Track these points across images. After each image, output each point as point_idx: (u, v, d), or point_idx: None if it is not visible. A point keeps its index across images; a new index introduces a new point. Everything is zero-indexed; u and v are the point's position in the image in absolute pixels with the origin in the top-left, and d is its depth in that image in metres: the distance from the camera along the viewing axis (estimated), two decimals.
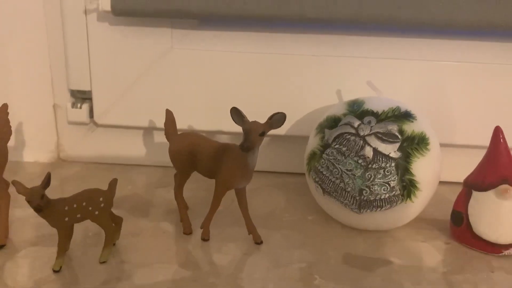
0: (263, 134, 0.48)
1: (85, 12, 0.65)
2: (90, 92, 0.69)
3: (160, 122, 0.59)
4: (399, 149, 0.53)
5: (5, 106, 0.53)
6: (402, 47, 0.64)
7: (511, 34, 0.62)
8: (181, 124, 0.68)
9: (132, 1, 0.61)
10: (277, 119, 0.49)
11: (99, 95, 0.69)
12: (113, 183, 0.50)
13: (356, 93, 0.62)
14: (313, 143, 0.58)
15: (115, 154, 0.73)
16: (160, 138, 0.72)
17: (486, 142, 0.55)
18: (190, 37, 0.66)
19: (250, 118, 0.50)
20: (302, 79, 0.66)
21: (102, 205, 0.49)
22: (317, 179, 0.56)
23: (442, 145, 0.62)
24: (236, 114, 0.50)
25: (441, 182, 0.61)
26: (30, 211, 0.46)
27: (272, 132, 0.51)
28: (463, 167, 0.57)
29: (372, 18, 0.60)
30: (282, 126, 0.49)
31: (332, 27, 0.64)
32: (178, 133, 0.57)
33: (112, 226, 0.51)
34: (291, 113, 0.66)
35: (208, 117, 0.68)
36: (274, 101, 0.67)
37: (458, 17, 0.59)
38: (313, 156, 0.57)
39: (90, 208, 0.48)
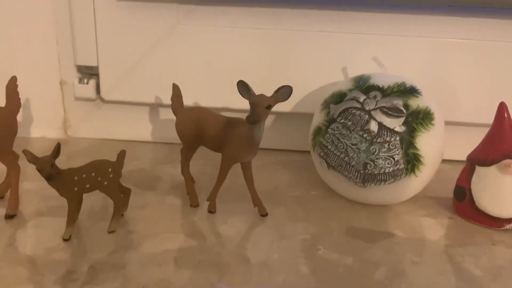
0: (269, 107, 0.49)
1: None
2: (97, 67, 0.70)
3: (166, 98, 0.59)
4: (404, 123, 0.53)
5: (14, 78, 0.54)
6: (408, 24, 0.64)
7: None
8: (187, 100, 0.68)
9: None
10: (283, 92, 0.49)
11: (106, 70, 0.69)
12: (121, 155, 0.50)
13: (362, 70, 0.62)
14: (319, 118, 0.59)
15: (122, 131, 0.74)
16: (166, 115, 0.72)
17: (490, 120, 0.56)
18: (196, 13, 0.66)
19: (256, 92, 0.50)
20: (308, 56, 0.66)
21: (111, 175, 0.49)
22: (322, 154, 0.57)
23: (446, 122, 0.62)
24: (243, 87, 0.50)
25: (444, 160, 0.61)
26: (39, 183, 0.47)
27: (278, 109, 0.51)
28: (467, 145, 0.58)
29: None
30: (288, 103, 0.50)
31: (338, 3, 0.64)
32: (185, 107, 0.58)
33: (120, 196, 0.52)
34: (296, 90, 0.66)
35: (214, 94, 0.69)
36: (279, 77, 0.66)
37: None
38: (318, 131, 0.58)
39: (99, 179, 0.49)
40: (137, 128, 0.74)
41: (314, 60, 0.66)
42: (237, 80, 0.50)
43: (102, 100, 0.72)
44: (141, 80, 0.69)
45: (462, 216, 0.57)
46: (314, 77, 0.67)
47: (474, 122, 0.66)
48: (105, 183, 0.49)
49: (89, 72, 0.71)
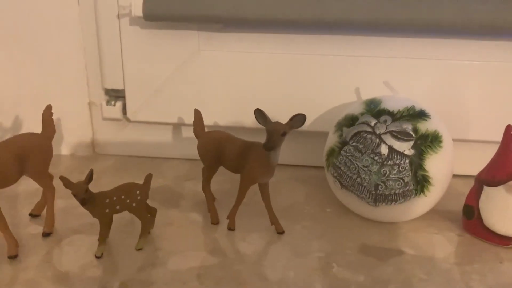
0: (284, 134, 0.52)
1: (118, 16, 0.70)
2: (123, 90, 0.74)
3: (188, 118, 0.63)
4: (413, 146, 0.56)
5: (49, 107, 0.59)
6: (417, 47, 0.67)
7: None
8: (208, 120, 0.73)
9: (161, 7, 0.65)
10: (298, 120, 0.53)
11: (131, 93, 0.74)
12: (148, 178, 0.54)
13: (374, 92, 0.66)
14: (332, 140, 0.62)
15: (146, 148, 0.79)
16: (187, 133, 0.76)
17: (499, 137, 0.58)
18: (216, 40, 0.70)
19: (274, 114, 0.54)
20: (322, 78, 0.69)
21: (138, 197, 0.54)
22: (335, 174, 0.60)
23: (457, 140, 0.65)
24: (260, 115, 0.54)
25: (455, 176, 0.64)
26: (72, 202, 0.51)
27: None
28: (477, 161, 0.60)
29: (389, 21, 0.63)
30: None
31: (350, 29, 0.67)
32: (206, 130, 0.62)
33: (147, 216, 0.56)
34: (312, 110, 0.71)
35: (233, 114, 0.72)
36: (295, 99, 0.70)
37: (471, 18, 0.61)
38: (331, 153, 0.61)
39: (128, 201, 0.53)
40: (160, 146, 0.78)
41: (329, 82, 0.69)
42: (255, 103, 0.54)
43: (128, 120, 0.77)
44: (164, 102, 0.73)
45: (471, 234, 0.59)
46: (329, 98, 0.70)
47: (485, 140, 0.68)
48: (134, 204, 0.53)
49: (116, 95, 0.76)
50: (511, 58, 0.66)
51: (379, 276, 0.52)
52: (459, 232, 0.60)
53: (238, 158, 0.57)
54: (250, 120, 0.69)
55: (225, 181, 0.69)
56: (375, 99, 0.61)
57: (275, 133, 0.52)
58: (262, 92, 0.71)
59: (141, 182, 0.54)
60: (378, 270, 0.53)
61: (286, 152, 0.74)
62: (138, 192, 0.54)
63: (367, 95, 0.66)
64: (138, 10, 0.66)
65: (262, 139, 0.54)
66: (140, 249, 0.55)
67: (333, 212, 0.64)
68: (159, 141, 0.78)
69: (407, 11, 0.63)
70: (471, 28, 0.63)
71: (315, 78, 0.69)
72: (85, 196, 0.50)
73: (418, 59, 0.67)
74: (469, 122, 0.69)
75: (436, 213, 0.63)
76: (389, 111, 0.58)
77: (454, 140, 0.65)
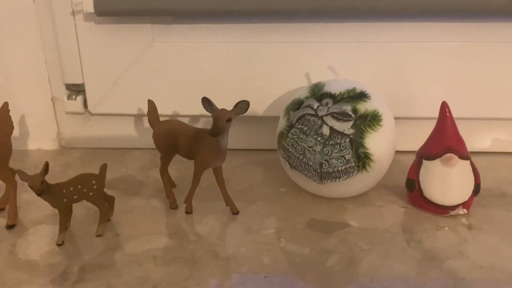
0: (229, 120, 0.55)
1: (73, 13, 0.72)
2: (83, 85, 0.77)
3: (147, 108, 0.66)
4: (353, 126, 0.59)
5: (6, 104, 0.61)
6: (361, 32, 0.70)
7: (455, 15, 0.67)
8: (167, 110, 0.76)
9: (112, 3, 0.67)
10: (242, 106, 0.56)
11: (91, 87, 0.76)
12: (103, 168, 0.57)
13: (322, 76, 0.69)
14: (282, 124, 0.65)
15: (110, 140, 0.81)
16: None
17: None
18: (169, 31, 0.73)
19: (229, 101, 0.56)
20: (273, 65, 0.72)
21: (95, 187, 0.56)
22: (284, 156, 0.64)
23: (403, 118, 0.69)
24: (206, 103, 0.57)
25: (403, 152, 0.68)
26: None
27: (250, 114, 0.58)
28: (423, 137, 0.64)
29: (332, 8, 0.66)
30: (259, 107, 0.56)
31: (296, 17, 0.70)
32: (160, 120, 0.65)
33: (105, 204, 0.59)
34: (264, 96, 0.74)
35: (190, 103, 0.75)
36: (248, 86, 0.73)
37: (408, 2, 0.65)
38: (281, 136, 0.64)
39: (84, 190, 0.56)
40: (124, 137, 0.81)
41: (279, 69, 0.73)
42: (210, 91, 0.56)
43: (90, 113, 0.79)
44: (123, 94, 0.76)
45: (413, 205, 0.64)
46: (280, 84, 0.73)
47: (428, 116, 0.72)
48: (90, 193, 0.56)
49: (76, 89, 0.78)
50: (448, 38, 0.69)
51: (324, 247, 0.56)
52: (403, 204, 0.64)
53: (190, 145, 0.60)
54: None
55: (185, 168, 0.72)
56: (319, 83, 0.65)
57: (220, 119, 0.55)
58: (216, 80, 0.74)
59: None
60: (323, 243, 0.57)
61: (243, 137, 0.78)
62: (94, 182, 0.56)
63: (316, 80, 0.69)
64: (89, 7, 0.68)
65: None
66: (100, 235, 0.58)
67: (287, 192, 0.68)
68: (122, 132, 0.81)
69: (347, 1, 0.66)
70: (409, 11, 0.66)
71: (266, 65, 0.73)
72: (41, 188, 0.53)
73: (363, 42, 0.71)
74: (413, 100, 0.72)
75: (383, 187, 0.67)
76: (331, 94, 0.62)
77: (399, 118, 0.70)
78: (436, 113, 0.65)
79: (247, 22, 0.71)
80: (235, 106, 0.56)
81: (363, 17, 0.69)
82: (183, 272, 0.52)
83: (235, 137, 0.79)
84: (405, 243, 0.57)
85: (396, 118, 0.65)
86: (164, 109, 0.73)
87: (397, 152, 0.66)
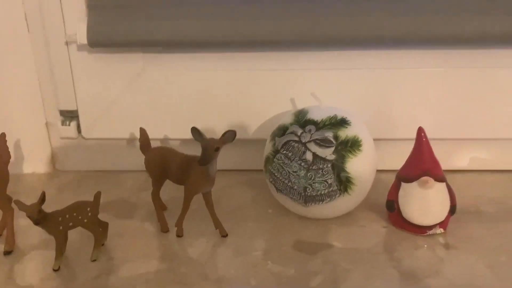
0: (217, 149, 0.59)
1: (67, 44, 0.75)
2: (76, 111, 0.79)
3: (138, 132, 0.69)
4: (334, 152, 0.63)
5: (3, 135, 0.63)
6: (342, 59, 0.74)
7: (429, 43, 0.71)
8: (158, 134, 0.79)
9: (104, 35, 0.70)
10: (229, 135, 0.59)
11: (84, 113, 0.79)
12: (97, 196, 0.60)
13: (307, 102, 0.72)
14: (268, 148, 0.68)
15: (103, 162, 0.84)
16: None
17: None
18: (159, 60, 0.76)
19: (218, 126, 0.59)
20: (259, 91, 0.76)
21: (89, 214, 0.59)
22: (271, 180, 0.67)
23: (385, 139, 0.72)
24: (195, 132, 0.60)
25: (386, 171, 0.71)
26: None
27: (241, 136, 0.62)
28: (404, 157, 0.67)
29: (315, 38, 0.70)
30: (248, 130, 0.58)
31: (281, 46, 0.73)
32: (152, 146, 0.68)
33: (99, 230, 0.61)
34: (253, 120, 0.77)
35: (179, 127, 0.78)
36: (235, 111, 0.77)
37: (384, 32, 0.69)
38: (268, 160, 0.68)
39: (80, 217, 0.59)
40: (117, 160, 0.84)
41: (266, 94, 0.76)
42: (199, 116, 0.59)
43: (83, 138, 0.82)
44: (115, 119, 0.79)
45: (393, 225, 0.67)
46: (267, 109, 0.76)
47: (408, 138, 0.75)
48: (85, 220, 0.59)
49: (70, 115, 0.81)
50: (424, 65, 0.73)
51: (309, 268, 0.59)
52: (385, 224, 0.68)
53: (180, 171, 0.63)
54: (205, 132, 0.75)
55: (176, 191, 0.74)
56: (303, 109, 0.68)
57: (209, 148, 0.58)
58: (205, 106, 0.77)
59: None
60: (308, 263, 0.60)
61: (233, 159, 0.81)
62: (88, 209, 0.59)
63: (302, 104, 0.72)
64: (83, 38, 0.71)
65: None
66: (94, 260, 0.61)
67: (274, 213, 0.71)
68: (115, 155, 0.83)
69: (328, 29, 0.70)
70: (387, 40, 0.70)
71: (253, 91, 0.76)
72: (38, 217, 0.55)
73: (345, 69, 0.74)
74: (393, 123, 0.76)
75: (365, 207, 0.70)
76: (314, 120, 0.65)
77: (382, 139, 0.73)
78: (415, 134, 0.69)
79: (235, 51, 0.75)
80: (223, 135, 0.59)
81: (344, 46, 0.73)
82: None
83: (225, 158, 0.83)
84: (386, 263, 0.60)
85: (377, 140, 0.69)
86: (155, 134, 0.76)
87: (380, 171, 0.69)
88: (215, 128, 0.76)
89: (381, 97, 0.75)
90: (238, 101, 0.77)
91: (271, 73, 0.75)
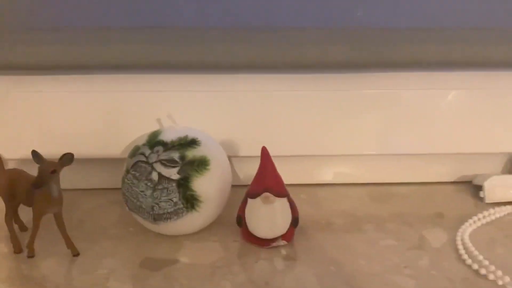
0: (54, 172, 0.60)
1: None
2: None
3: (8, 154, 0.69)
4: (180, 171, 0.66)
5: None
6: (202, 82, 0.78)
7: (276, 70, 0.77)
8: (21, 154, 0.79)
9: None
10: (67, 158, 0.61)
11: None
12: None
13: (168, 122, 0.75)
14: (123, 169, 0.70)
15: None
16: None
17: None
18: (25, 81, 0.77)
19: (88, 145, 0.59)
20: (120, 113, 0.78)
21: None
22: (124, 199, 0.69)
23: (246, 157, 0.77)
24: (35, 155, 0.61)
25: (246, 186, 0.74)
26: None
27: (108, 155, 0.66)
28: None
29: (181, 63, 0.74)
30: (116, 149, 0.60)
31: (144, 69, 0.76)
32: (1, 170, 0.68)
33: None
34: (120, 139, 0.79)
35: (42, 148, 0.78)
36: (104, 131, 0.79)
37: (239, 59, 0.73)
38: (122, 180, 0.70)
39: None
40: None
41: (134, 116, 0.78)
42: (66, 136, 0.61)
43: None
44: None
45: (243, 239, 0.71)
46: (136, 129, 0.78)
47: (288, 154, 0.80)
48: None
49: None
50: (284, 87, 0.78)
51: (146, 285, 0.61)
52: (236, 239, 0.71)
53: (27, 193, 0.64)
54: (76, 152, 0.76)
55: None
56: (157, 131, 0.71)
57: (44, 171, 0.60)
58: (69, 128, 0.78)
59: None
60: (148, 280, 0.62)
61: (106, 177, 0.83)
62: None
63: (165, 126, 0.75)
64: None
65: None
66: None
67: (134, 231, 0.73)
68: None
69: (185, 56, 0.73)
70: (241, 66, 0.75)
71: (114, 113, 0.78)
72: None
73: (205, 91, 0.78)
74: (249, 141, 0.80)
75: (221, 223, 0.73)
76: (163, 141, 0.68)
77: (241, 156, 0.77)
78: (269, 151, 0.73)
79: (99, 73, 0.77)
80: (61, 158, 0.61)
81: (210, 70, 0.77)
82: None
83: (95, 177, 0.85)
84: (222, 276, 0.63)
85: (237, 157, 0.73)
86: (18, 154, 0.77)
87: (243, 186, 0.72)
88: (79, 148, 0.77)
89: (241, 117, 0.79)
90: (105, 122, 0.79)
91: (137, 95, 0.78)
